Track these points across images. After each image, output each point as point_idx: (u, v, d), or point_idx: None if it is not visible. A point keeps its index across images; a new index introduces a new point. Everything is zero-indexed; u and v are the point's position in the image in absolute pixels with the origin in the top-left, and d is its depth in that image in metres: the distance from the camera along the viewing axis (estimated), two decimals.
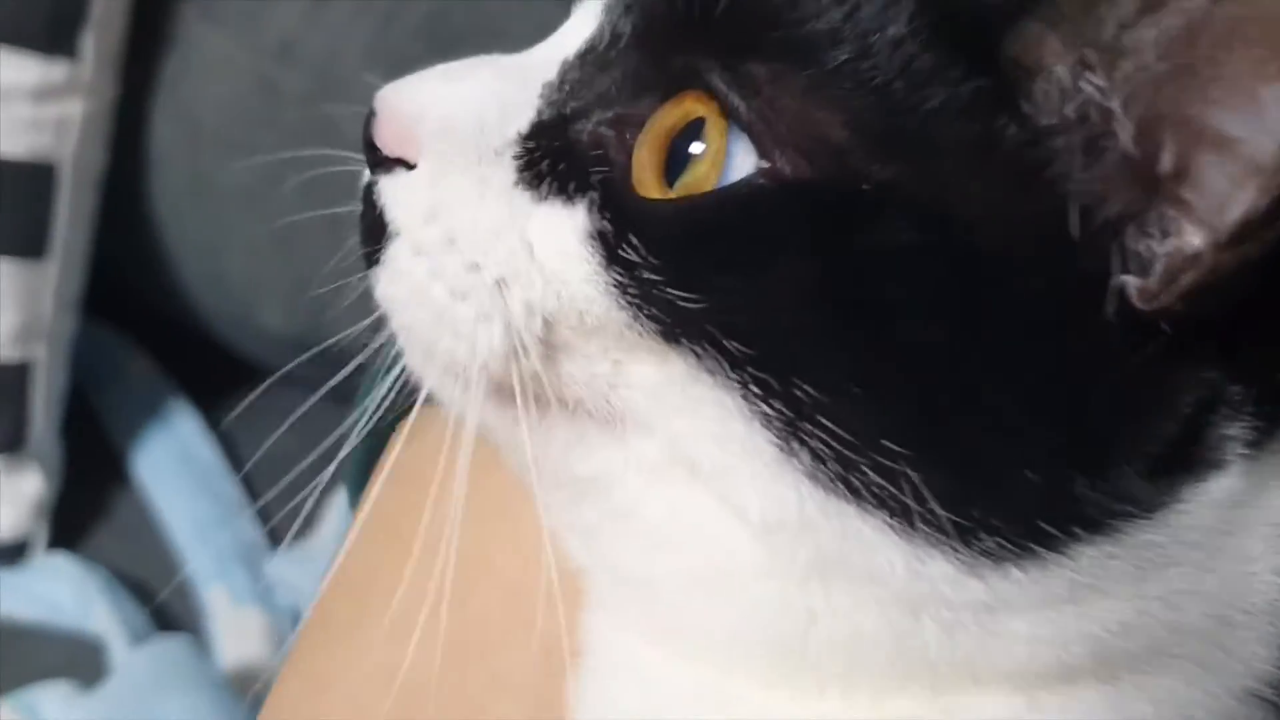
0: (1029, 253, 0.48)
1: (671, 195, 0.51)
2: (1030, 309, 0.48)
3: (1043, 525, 0.47)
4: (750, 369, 0.49)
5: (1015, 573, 0.47)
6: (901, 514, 0.47)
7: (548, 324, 0.52)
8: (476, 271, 0.52)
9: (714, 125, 0.50)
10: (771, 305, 0.49)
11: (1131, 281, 0.48)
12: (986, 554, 0.47)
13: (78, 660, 1.12)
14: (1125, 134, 0.48)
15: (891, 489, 0.47)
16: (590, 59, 0.53)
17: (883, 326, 0.48)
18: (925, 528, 0.47)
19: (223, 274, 1.19)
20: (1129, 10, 0.46)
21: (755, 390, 0.49)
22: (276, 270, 1.15)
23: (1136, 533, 0.47)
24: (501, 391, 0.52)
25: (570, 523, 0.55)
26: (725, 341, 0.49)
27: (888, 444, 0.47)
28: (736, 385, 0.49)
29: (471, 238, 0.52)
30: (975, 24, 0.50)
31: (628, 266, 0.50)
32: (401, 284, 0.53)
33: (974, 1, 0.50)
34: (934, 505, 0.47)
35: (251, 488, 1.26)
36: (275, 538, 1.24)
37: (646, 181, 0.51)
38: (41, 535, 1.22)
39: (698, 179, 0.51)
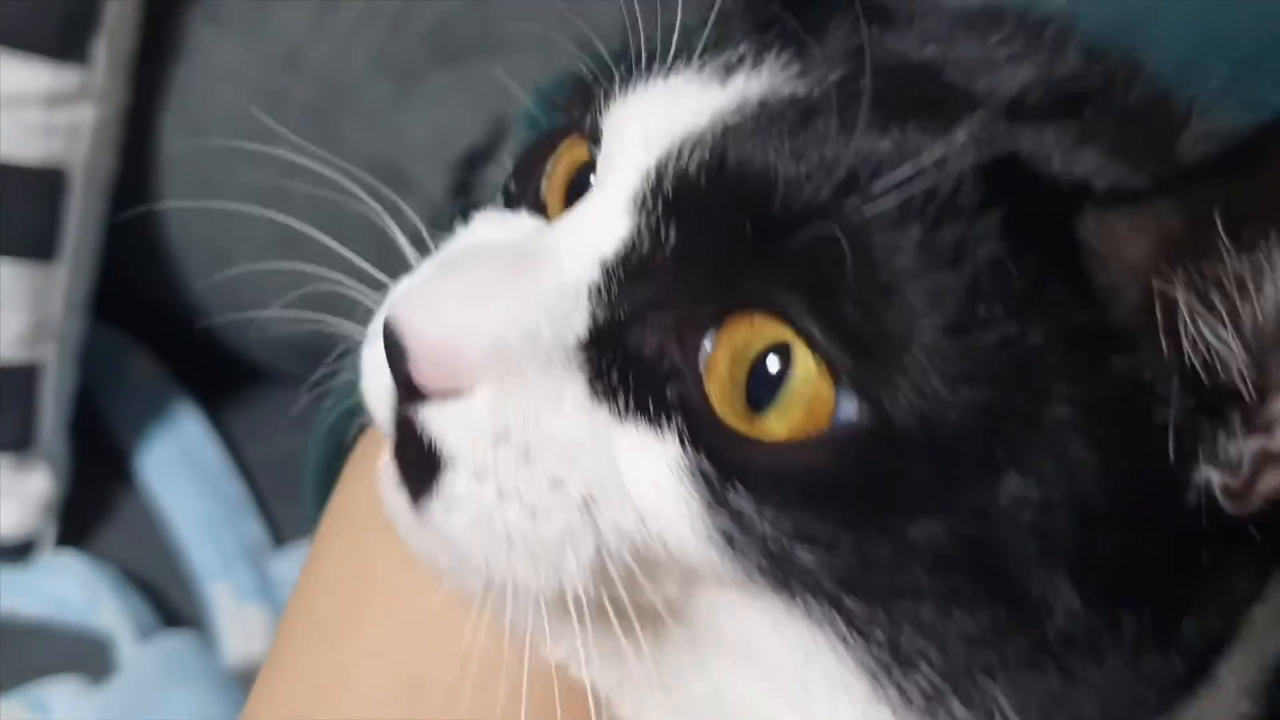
0: (1134, 490, 0.49)
1: (774, 434, 0.48)
2: (1133, 539, 0.49)
3: None
4: (861, 619, 0.49)
5: None
6: None
7: (636, 549, 0.50)
8: (560, 488, 0.50)
9: (804, 358, 0.48)
10: (894, 561, 0.48)
11: (1216, 479, 0.48)
12: None
13: (85, 656, 1.13)
14: (1243, 378, 0.48)
15: (979, 713, 0.49)
16: (633, 263, 0.50)
17: (1003, 578, 0.48)
18: None
19: (228, 279, 1.21)
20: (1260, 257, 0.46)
21: (859, 636, 0.49)
22: (281, 277, 1.17)
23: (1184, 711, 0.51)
24: (564, 604, 0.50)
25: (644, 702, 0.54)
26: (844, 596, 0.48)
27: (982, 676, 0.49)
28: (840, 631, 0.49)
29: (552, 451, 0.50)
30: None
31: (737, 515, 0.48)
32: (463, 512, 0.50)
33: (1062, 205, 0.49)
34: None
35: (256, 487, 1.29)
36: (279, 536, 1.25)
37: (730, 409, 0.48)
38: (49, 533, 1.23)
39: (795, 417, 0.48)
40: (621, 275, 0.50)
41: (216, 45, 1.18)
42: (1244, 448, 0.49)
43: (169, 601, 1.20)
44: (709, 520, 0.48)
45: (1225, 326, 0.47)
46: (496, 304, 0.50)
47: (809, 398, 0.48)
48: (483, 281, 0.51)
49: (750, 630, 0.50)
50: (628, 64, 0.56)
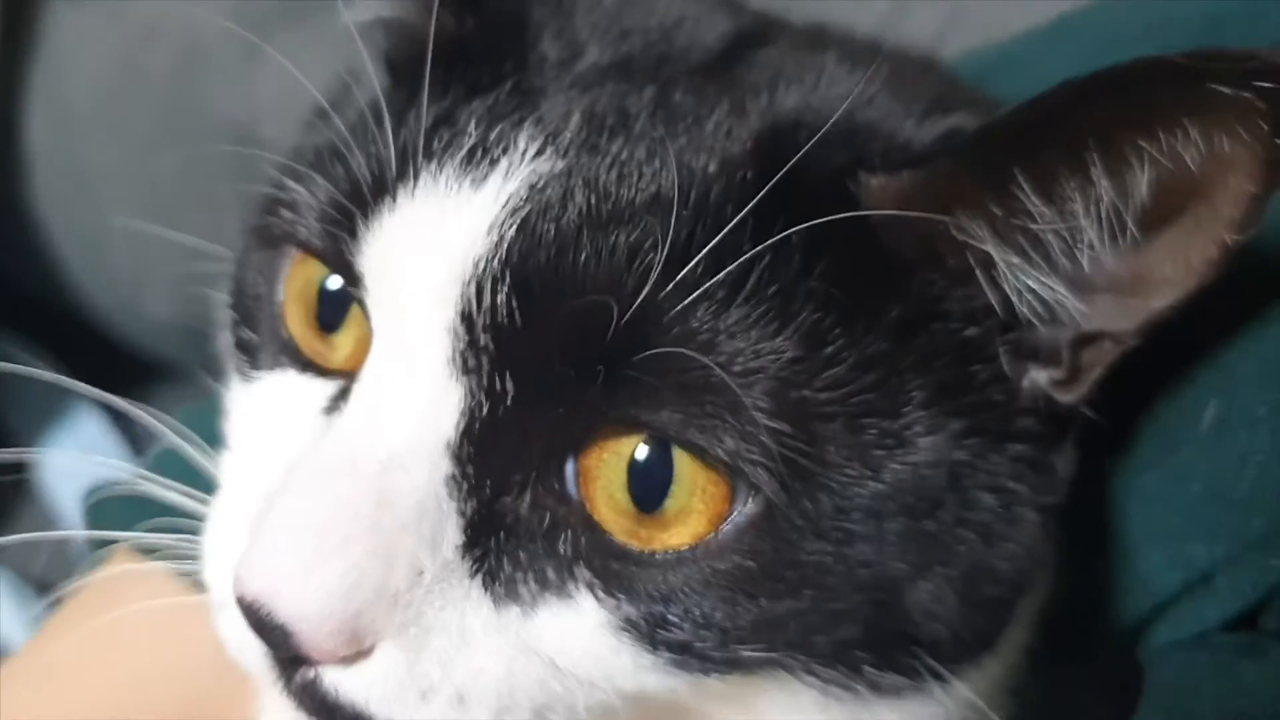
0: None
1: (679, 539, 0.47)
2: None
3: None
4: (811, 660, 0.49)
5: None
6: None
7: (592, 711, 0.49)
8: (505, 716, 0.48)
9: (682, 458, 0.47)
10: (826, 596, 0.48)
11: (1044, 377, 0.51)
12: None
13: None
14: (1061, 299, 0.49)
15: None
16: (478, 432, 0.48)
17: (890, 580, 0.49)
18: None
19: (107, 263, 1.17)
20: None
21: (811, 675, 0.49)
22: (159, 256, 1.13)
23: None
24: None
25: None
26: (796, 652, 0.48)
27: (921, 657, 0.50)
28: (797, 678, 0.49)
29: (486, 686, 0.48)
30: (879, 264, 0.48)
31: (675, 644, 0.48)
32: None
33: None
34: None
35: None
36: None
37: (624, 521, 0.47)
38: None
39: (692, 514, 0.47)
40: (471, 451, 0.48)
41: (76, 24, 1.13)
42: (1061, 340, 0.51)
43: None
44: (654, 658, 0.47)
45: (1045, 272, 0.48)
46: (364, 551, 0.46)
47: (701, 486, 0.47)
48: (339, 529, 0.47)
49: (731, 700, 0.50)
50: (347, 175, 0.52)
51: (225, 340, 0.59)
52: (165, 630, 0.64)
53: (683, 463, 0.47)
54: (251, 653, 0.49)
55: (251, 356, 0.56)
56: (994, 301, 0.49)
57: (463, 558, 0.48)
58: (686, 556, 0.47)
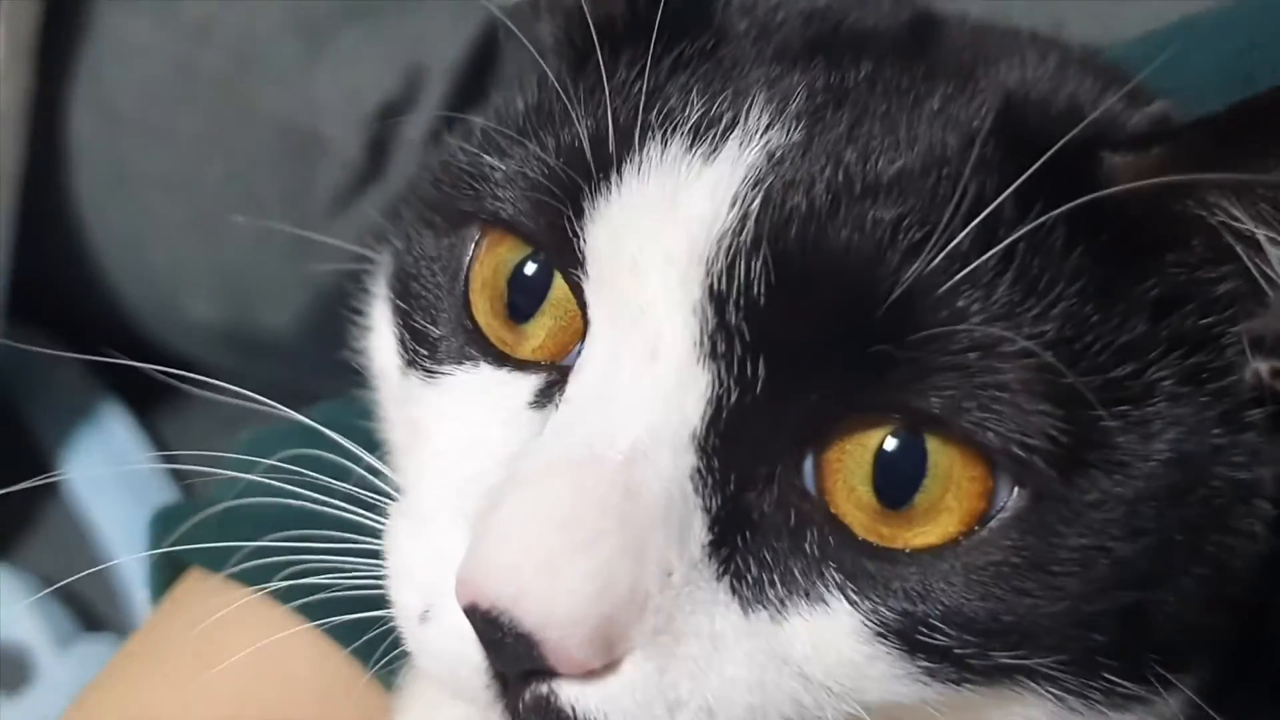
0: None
1: (928, 538, 0.45)
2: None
3: None
4: (1063, 673, 0.46)
5: None
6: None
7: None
8: None
9: (940, 450, 0.45)
10: (1083, 616, 0.45)
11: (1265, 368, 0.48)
12: None
13: (2, 668, 1.08)
14: None
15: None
16: (725, 422, 0.46)
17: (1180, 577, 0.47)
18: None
19: (146, 265, 1.15)
20: None
21: (1061, 688, 0.46)
22: (201, 259, 1.12)
23: None
24: None
25: None
26: (1048, 664, 0.46)
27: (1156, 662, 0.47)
28: (1044, 695, 0.47)
29: (736, 699, 0.45)
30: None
31: (934, 650, 0.45)
32: None
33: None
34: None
35: (187, 490, 1.23)
36: None
37: (876, 527, 0.45)
38: None
39: (943, 512, 0.45)
40: (716, 442, 0.46)
41: (126, 23, 1.12)
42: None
43: (94, 611, 1.15)
44: (910, 666, 0.45)
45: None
46: (615, 547, 0.43)
47: (957, 480, 0.45)
48: (587, 523, 0.43)
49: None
50: (560, 149, 0.49)
51: (381, 341, 0.56)
52: (256, 658, 0.61)
53: (940, 454, 0.45)
54: (467, 669, 0.46)
55: (431, 351, 0.53)
56: (1237, 286, 0.47)
57: (709, 558, 0.45)
58: (945, 553, 0.45)
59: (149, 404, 1.28)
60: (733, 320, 0.45)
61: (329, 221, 1.02)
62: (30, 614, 1.11)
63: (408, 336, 0.54)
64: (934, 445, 0.45)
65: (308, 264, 0.93)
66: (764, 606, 0.45)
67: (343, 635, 0.62)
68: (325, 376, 0.68)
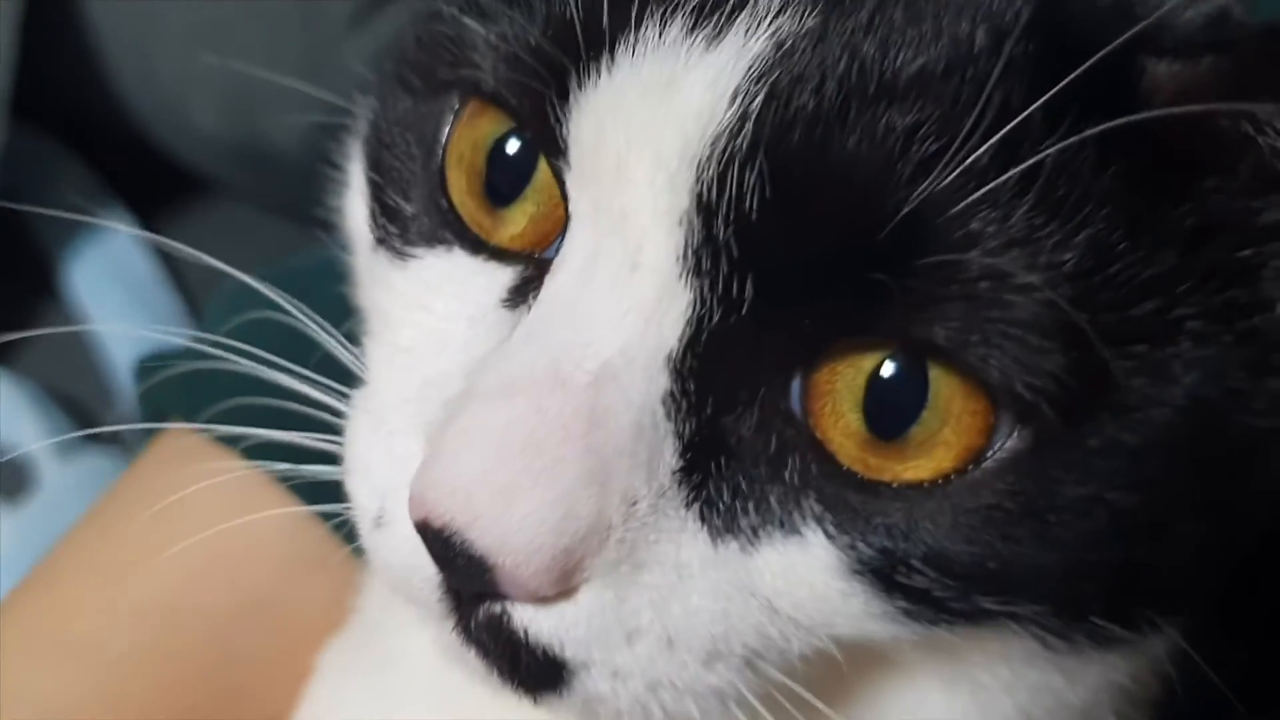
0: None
1: (920, 472, 0.42)
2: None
3: None
4: (1049, 620, 0.44)
5: None
6: None
7: (807, 661, 0.44)
8: (716, 660, 0.43)
9: (942, 378, 0.41)
10: (1075, 567, 0.43)
11: None
12: None
13: (4, 475, 1.07)
14: None
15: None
16: (704, 344, 0.42)
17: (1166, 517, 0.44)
18: None
19: (153, 71, 1.13)
20: None
21: (1046, 633, 0.44)
22: (210, 66, 1.09)
23: None
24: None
25: None
26: (1040, 609, 0.43)
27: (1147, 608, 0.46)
28: (1028, 640, 0.45)
29: (698, 629, 0.43)
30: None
31: (912, 591, 0.42)
32: (607, 705, 0.44)
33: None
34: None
35: (189, 299, 1.22)
36: None
37: (863, 456, 0.42)
38: None
39: (938, 446, 0.42)
40: (693, 364, 0.42)
41: None
42: None
43: (95, 419, 1.14)
44: (887, 605, 0.42)
45: None
46: (577, 476, 0.41)
47: (957, 414, 0.42)
48: (548, 449, 0.41)
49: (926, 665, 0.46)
50: (550, 17, 0.44)
51: (355, 206, 0.52)
52: (226, 518, 0.60)
53: (941, 385, 0.41)
54: (419, 580, 0.44)
55: (402, 229, 0.49)
56: None
57: (679, 485, 0.42)
58: (935, 491, 0.42)
59: (153, 212, 1.26)
60: (721, 235, 0.41)
61: (344, 39, 0.99)
62: (32, 421, 1.10)
63: (378, 210, 0.50)
64: (936, 374, 0.41)
65: (319, 83, 0.89)
66: (734, 536, 0.42)
67: (314, 502, 0.62)
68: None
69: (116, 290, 1.21)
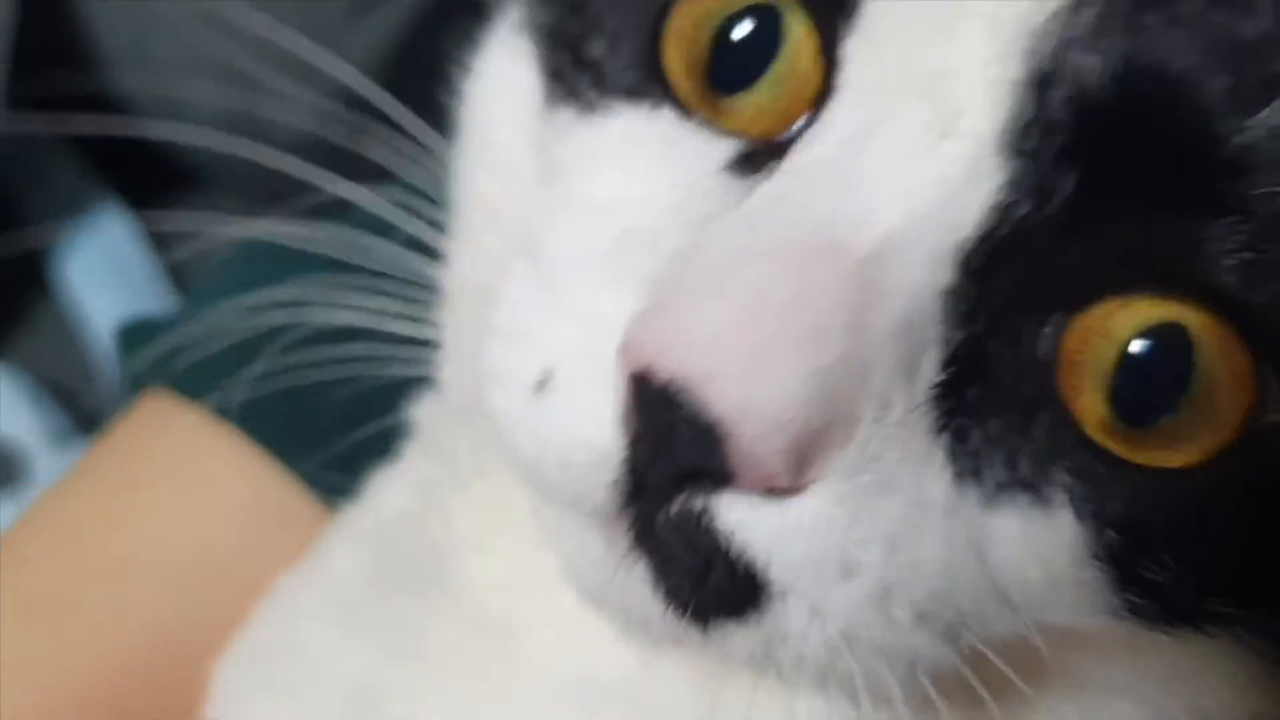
0: None
1: (1171, 464, 0.36)
2: None
3: None
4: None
5: None
6: None
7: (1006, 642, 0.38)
8: (924, 623, 0.37)
9: (1211, 346, 0.35)
10: None
11: None
12: None
13: None
14: None
15: None
16: (998, 239, 0.36)
17: None
18: None
19: (147, 53, 1.12)
20: None
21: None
22: (208, 43, 1.08)
23: None
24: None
25: None
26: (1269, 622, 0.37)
27: None
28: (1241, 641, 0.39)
29: (920, 584, 0.37)
30: None
31: (1147, 585, 0.36)
32: (788, 650, 0.37)
33: None
34: None
35: (184, 291, 1.21)
36: None
37: (1105, 437, 0.36)
38: None
39: (1213, 423, 0.35)
40: (983, 263, 0.36)
41: None
42: None
43: (88, 409, 1.13)
44: (1114, 600, 0.37)
45: None
46: (841, 352, 0.34)
47: (1232, 394, 0.35)
48: (812, 314, 0.34)
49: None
50: None
51: (494, 85, 0.47)
52: (195, 479, 0.60)
53: (1217, 364, 0.35)
54: (591, 459, 0.37)
55: (597, 79, 0.42)
56: None
57: (933, 405, 0.36)
58: (1192, 477, 0.36)
59: (148, 203, 1.25)
60: (1056, 114, 0.35)
61: (347, 27, 0.99)
62: (26, 411, 1.10)
63: (567, 62, 0.43)
64: (1207, 348, 0.35)
65: (319, 71, 0.89)
66: (975, 486, 0.37)
67: (287, 455, 0.61)
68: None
69: (109, 281, 1.21)
